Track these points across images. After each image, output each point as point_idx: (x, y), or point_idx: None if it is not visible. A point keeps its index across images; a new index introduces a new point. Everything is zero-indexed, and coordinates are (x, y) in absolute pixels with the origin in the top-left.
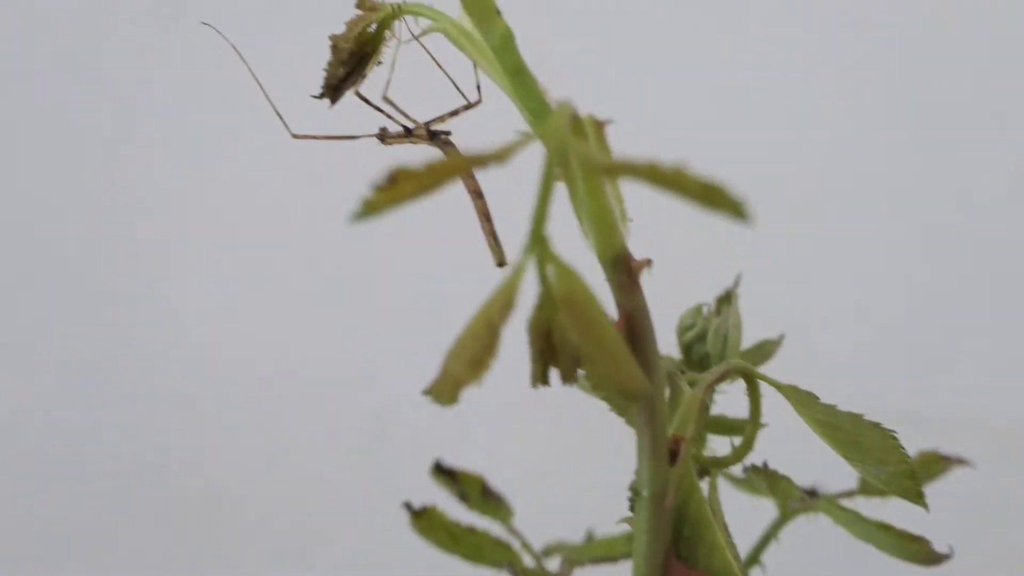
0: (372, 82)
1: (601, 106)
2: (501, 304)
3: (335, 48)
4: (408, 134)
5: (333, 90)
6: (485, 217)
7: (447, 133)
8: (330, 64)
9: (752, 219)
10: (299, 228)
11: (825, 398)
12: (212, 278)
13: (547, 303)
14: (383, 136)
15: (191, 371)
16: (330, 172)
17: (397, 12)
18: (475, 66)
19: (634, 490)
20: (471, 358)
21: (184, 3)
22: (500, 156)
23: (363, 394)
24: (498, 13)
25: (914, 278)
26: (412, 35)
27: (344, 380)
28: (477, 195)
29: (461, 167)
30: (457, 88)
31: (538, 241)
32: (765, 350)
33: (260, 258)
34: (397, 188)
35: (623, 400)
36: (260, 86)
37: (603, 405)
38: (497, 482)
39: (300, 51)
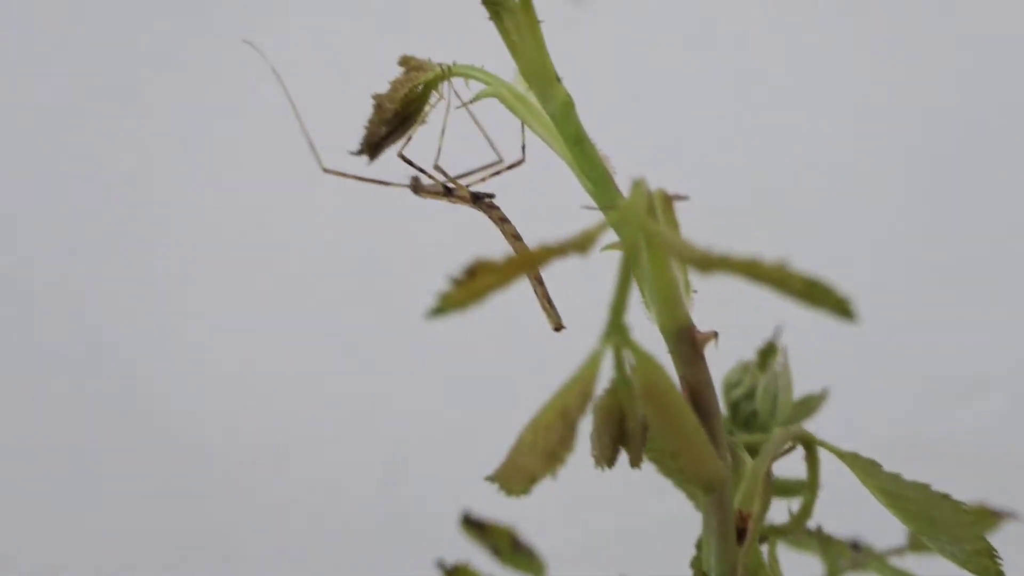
0: (414, 140)
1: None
2: (578, 394)
3: (379, 107)
4: (448, 193)
5: (373, 148)
6: (538, 281)
7: (491, 196)
8: (371, 122)
9: (858, 317)
10: (308, 270)
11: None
12: (218, 322)
13: (622, 389)
14: (416, 187)
15: (196, 420)
16: (339, 215)
17: (447, 74)
18: (522, 126)
19: (699, 571)
20: (546, 450)
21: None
22: (581, 244)
23: (374, 438)
24: (558, 80)
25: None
26: (460, 100)
27: (354, 426)
28: (539, 283)
29: (543, 258)
30: (495, 150)
31: (617, 329)
32: (809, 405)
33: (265, 302)
34: (476, 282)
35: (701, 490)
36: (296, 113)
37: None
38: (520, 525)
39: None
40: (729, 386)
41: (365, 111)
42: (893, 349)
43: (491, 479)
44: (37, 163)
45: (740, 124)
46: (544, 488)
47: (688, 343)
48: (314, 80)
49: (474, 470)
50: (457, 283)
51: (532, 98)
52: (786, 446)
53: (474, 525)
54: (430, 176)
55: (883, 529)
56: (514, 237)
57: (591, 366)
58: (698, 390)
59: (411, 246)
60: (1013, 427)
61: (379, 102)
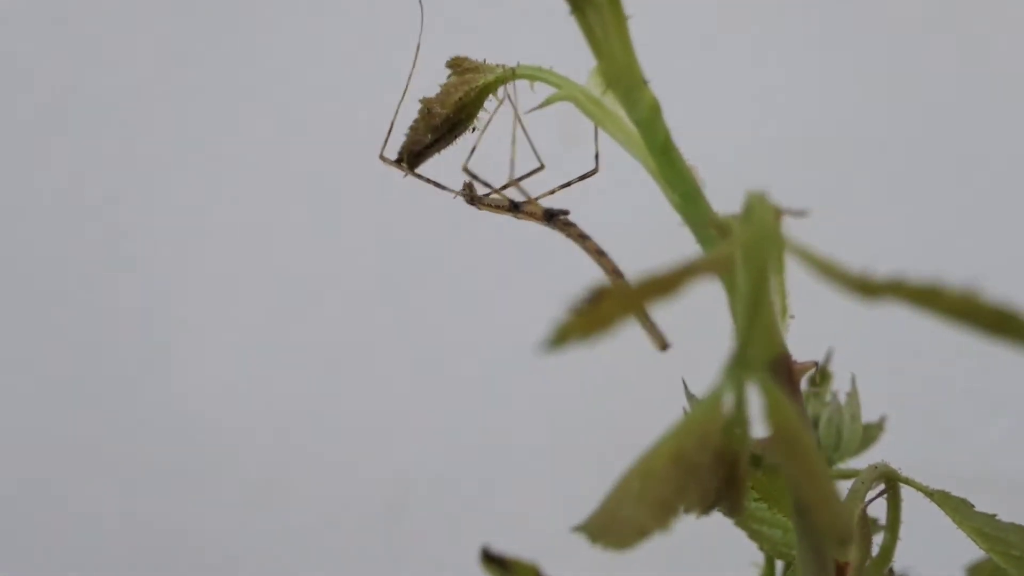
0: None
1: None
2: (697, 437)
3: (428, 113)
4: (514, 208)
5: (415, 156)
6: (642, 315)
7: (565, 212)
8: (415, 129)
9: None
10: (309, 289)
11: None
12: (218, 346)
13: (741, 431)
14: (473, 198)
15: (195, 444)
16: (343, 231)
17: (509, 76)
18: (595, 132)
19: None
20: (657, 501)
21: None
22: (718, 265)
23: (379, 462)
24: (645, 83)
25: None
26: (512, 103)
27: (357, 449)
28: (617, 275)
29: (674, 282)
30: (538, 158)
31: (745, 363)
32: (869, 435)
33: (265, 323)
34: (599, 311)
35: (830, 543)
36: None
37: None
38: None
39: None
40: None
41: (384, 114)
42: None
43: (582, 531)
44: (34, 174)
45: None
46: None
47: (784, 374)
48: (326, 87)
49: (478, 501)
50: (578, 312)
51: (608, 102)
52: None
53: (495, 561)
54: (494, 189)
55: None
56: (598, 253)
57: (712, 405)
58: None
59: (418, 264)
60: None
61: (428, 107)
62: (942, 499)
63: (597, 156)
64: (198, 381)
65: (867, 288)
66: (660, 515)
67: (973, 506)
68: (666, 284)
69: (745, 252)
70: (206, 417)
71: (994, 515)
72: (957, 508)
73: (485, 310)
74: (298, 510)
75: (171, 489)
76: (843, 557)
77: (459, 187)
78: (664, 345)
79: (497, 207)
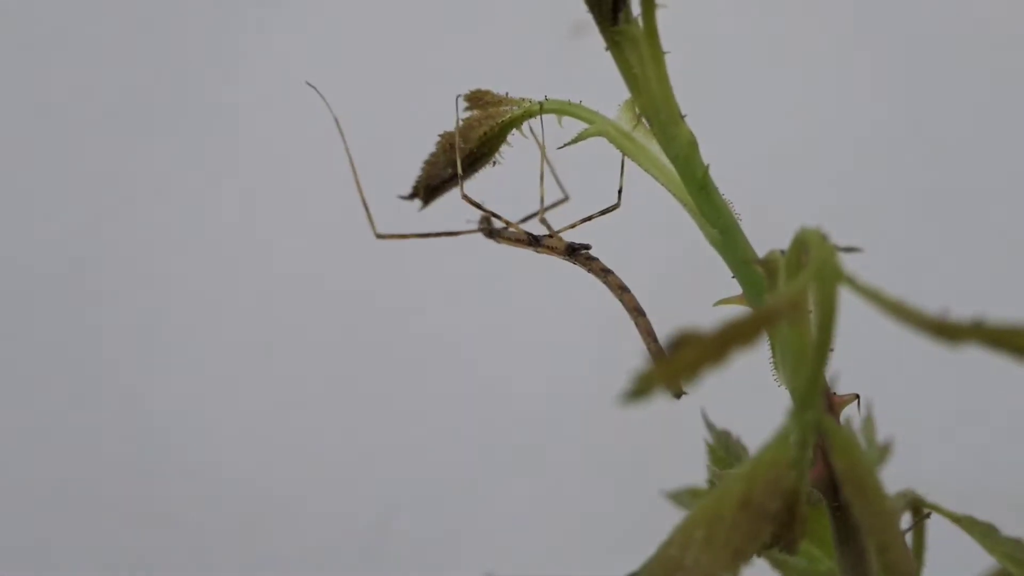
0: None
1: None
2: (766, 481)
3: (449, 147)
4: (534, 242)
5: (431, 192)
6: (651, 337)
7: (587, 247)
8: (433, 163)
9: None
10: (291, 318)
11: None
12: (198, 375)
13: (804, 471)
14: (491, 232)
15: (175, 478)
16: (325, 258)
17: (536, 110)
18: (622, 167)
19: None
20: (728, 547)
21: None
22: (795, 306)
23: (361, 494)
24: (682, 118)
25: None
26: (535, 136)
27: (339, 486)
28: (638, 312)
29: (758, 325)
30: (563, 190)
31: (812, 403)
32: (879, 458)
33: (248, 352)
34: (682, 357)
35: None
36: (354, 169)
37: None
38: None
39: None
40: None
41: (380, 149)
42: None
43: None
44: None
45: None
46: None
47: (826, 408)
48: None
49: (461, 533)
50: (657, 360)
51: (639, 136)
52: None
53: None
54: (512, 224)
55: None
56: (621, 289)
57: (781, 448)
58: None
59: (400, 294)
60: None
61: (449, 142)
62: (969, 525)
63: (620, 191)
64: (176, 413)
65: (946, 331)
66: (729, 561)
67: (999, 531)
68: (748, 330)
69: (816, 291)
70: (186, 450)
71: (1020, 539)
72: (986, 534)
73: (473, 338)
74: (279, 542)
75: (151, 524)
76: None
77: (469, 221)
78: (679, 392)
79: (517, 241)
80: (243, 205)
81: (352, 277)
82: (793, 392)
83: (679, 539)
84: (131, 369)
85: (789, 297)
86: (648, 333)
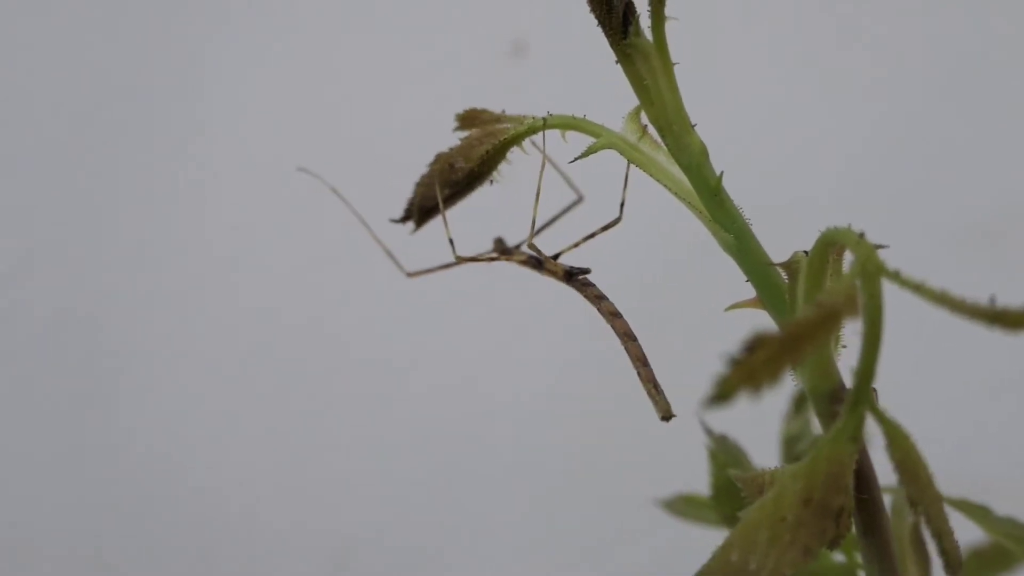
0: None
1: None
2: (827, 477)
3: (448, 167)
4: (537, 265)
5: (426, 213)
6: (642, 362)
7: (586, 271)
8: (427, 184)
9: None
10: (250, 344)
11: None
12: (167, 402)
13: (849, 463)
14: (503, 250)
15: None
16: (281, 286)
17: (539, 126)
18: (626, 180)
19: None
20: (794, 546)
21: None
22: (850, 307)
23: (322, 524)
24: (693, 128)
25: None
26: (539, 151)
27: (300, 517)
28: (629, 338)
29: (824, 326)
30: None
31: (865, 397)
32: None
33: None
34: (757, 359)
35: (951, 568)
36: (366, 224)
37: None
38: None
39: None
40: (790, 440)
41: (358, 167)
42: None
43: None
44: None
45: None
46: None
47: (841, 404)
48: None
49: (424, 565)
50: (736, 363)
51: (646, 147)
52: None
53: None
54: (522, 244)
55: None
56: (612, 315)
57: (838, 442)
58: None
59: (361, 320)
60: None
61: (448, 161)
62: (966, 507)
63: (623, 205)
64: (141, 439)
65: (1003, 319)
66: (799, 559)
67: (993, 511)
68: (819, 328)
69: (863, 287)
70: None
71: (1012, 518)
72: (983, 516)
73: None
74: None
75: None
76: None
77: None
78: (668, 414)
79: (521, 261)
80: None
81: (313, 299)
82: (814, 392)
83: (740, 543)
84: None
85: (843, 293)
86: (638, 358)
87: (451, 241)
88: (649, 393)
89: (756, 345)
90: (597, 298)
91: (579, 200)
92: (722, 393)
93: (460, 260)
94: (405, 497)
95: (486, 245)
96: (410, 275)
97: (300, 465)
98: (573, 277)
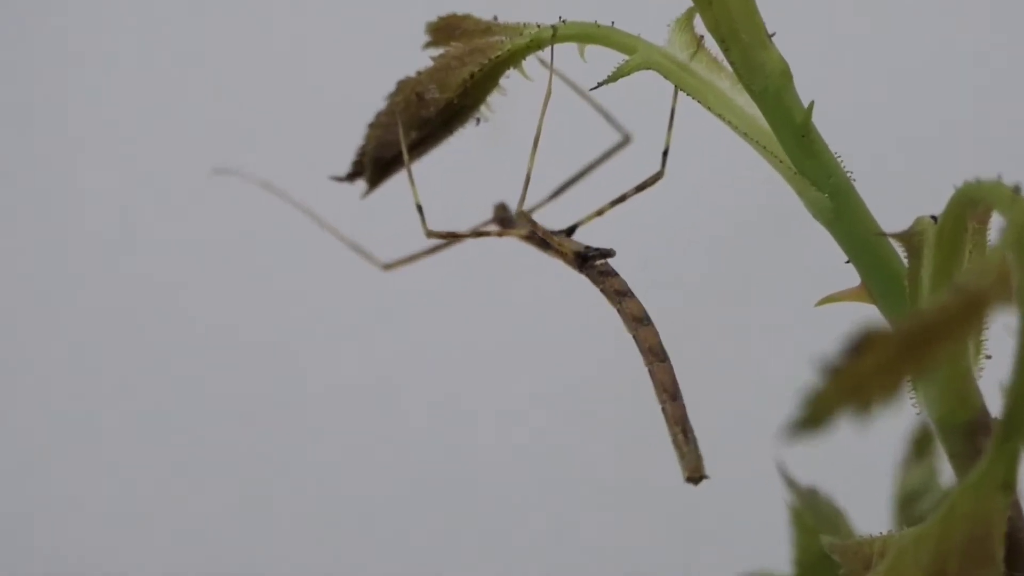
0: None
1: None
2: (968, 544)
3: (416, 100)
4: (544, 244)
5: (381, 168)
6: (670, 395)
7: (607, 254)
8: (386, 127)
9: None
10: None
11: None
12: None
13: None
14: (503, 218)
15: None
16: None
17: (547, 38)
18: (671, 119)
19: None
20: None
21: None
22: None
23: None
24: (770, 38)
25: None
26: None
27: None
28: (656, 357)
29: (969, 315)
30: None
31: (1021, 430)
32: None
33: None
34: (864, 367)
35: None
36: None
37: None
38: None
39: None
40: (909, 495)
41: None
42: None
43: None
44: None
45: None
46: None
47: (983, 438)
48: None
49: None
50: (836, 371)
51: (700, 69)
52: None
53: None
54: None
55: None
56: (636, 320)
57: (984, 492)
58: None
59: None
60: None
61: (415, 91)
62: None
63: (666, 153)
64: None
65: None
66: None
67: None
68: (950, 326)
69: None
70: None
71: None
72: None
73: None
74: None
75: None
76: None
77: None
78: (698, 474)
79: (523, 236)
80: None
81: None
82: (944, 422)
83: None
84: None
85: (990, 274)
86: (666, 389)
87: (420, 209)
88: (675, 441)
89: (865, 345)
90: (618, 294)
91: (625, 141)
92: (814, 415)
93: (433, 236)
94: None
95: (479, 216)
96: (386, 267)
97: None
98: (588, 262)
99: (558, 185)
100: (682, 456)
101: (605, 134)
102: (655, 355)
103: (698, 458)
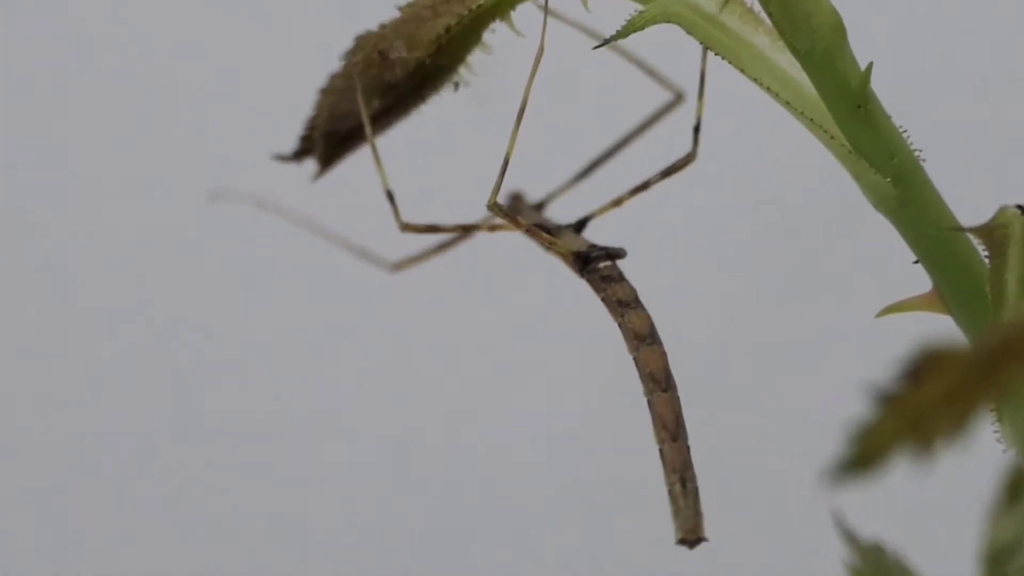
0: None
1: None
2: None
3: (379, 60)
4: (549, 243)
5: (338, 143)
6: (671, 435)
7: (618, 255)
8: (341, 92)
9: None
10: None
11: None
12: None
13: None
14: (516, 208)
15: None
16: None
17: None
18: (701, 85)
19: None
20: None
21: None
22: None
23: None
24: None
25: None
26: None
27: None
28: (672, 436)
29: None
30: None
31: None
32: None
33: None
34: (929, 394)
35: None
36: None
37: None
38: None
39: None
40: (1000, 550)
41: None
42: None
43: None
44: None
45: None
46: None
47: None
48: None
49: None
50: (893, 399)
51: (733, 23)
52: None
53: None
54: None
55: None
56: (637, 338)
57: None
58: None
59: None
60: None
61: (378, 48)
62: None
63: (698, 129)
64: None
65: None
66: None
67: None
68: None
69: None
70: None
71: None
72: None
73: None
74: None
75: None
76: None
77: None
78: (694, 535)
79: (531, 233)
80: None
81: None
82: None
83: None
84: None
85: None
86: (669, 432)
87: (390, 196)
88: (671, 492)
89: (927, 367)
90: (622, 305)
91: (677, 100)
92: (865, 454)
93: (409, 230)
94: None
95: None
96: (395, 268)
97: None
98: (590, 264)
99: (584, 165)
100: (677, 512)
101: (632, 97)
102: (656, 382)
103: (697, 515)
